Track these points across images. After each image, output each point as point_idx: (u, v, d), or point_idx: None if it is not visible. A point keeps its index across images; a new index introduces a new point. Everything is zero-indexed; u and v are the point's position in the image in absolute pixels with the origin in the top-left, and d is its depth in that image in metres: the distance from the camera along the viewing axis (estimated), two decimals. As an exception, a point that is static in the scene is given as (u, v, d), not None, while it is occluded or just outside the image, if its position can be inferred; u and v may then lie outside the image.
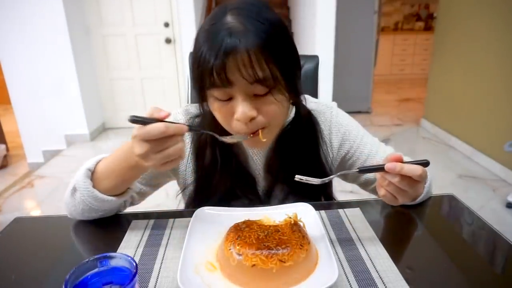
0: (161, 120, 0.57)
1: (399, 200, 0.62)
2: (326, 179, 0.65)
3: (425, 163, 0.61)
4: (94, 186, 0.69)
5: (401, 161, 0.60)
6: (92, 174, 0.70)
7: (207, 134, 0.80)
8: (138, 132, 0.56)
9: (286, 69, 0.66)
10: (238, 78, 0.62)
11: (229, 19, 0.63)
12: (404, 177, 0.59)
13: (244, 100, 0.65)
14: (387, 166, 0.59)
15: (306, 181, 0.63)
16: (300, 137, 0.81)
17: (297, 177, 0.63)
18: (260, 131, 0.69)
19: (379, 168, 0.61)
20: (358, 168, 0.63)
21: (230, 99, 0.66)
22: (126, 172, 0.67)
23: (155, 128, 0.55)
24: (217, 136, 0.67)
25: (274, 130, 0.74)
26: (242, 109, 0.64)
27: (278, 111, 0.69)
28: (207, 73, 0.63)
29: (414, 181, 0.60)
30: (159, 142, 0.56)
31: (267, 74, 0.63)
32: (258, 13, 0.64)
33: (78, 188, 0.69)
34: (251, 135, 0.69)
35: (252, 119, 0.66)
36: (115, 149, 0.68)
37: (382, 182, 0.62)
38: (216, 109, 0.69)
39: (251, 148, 0.82)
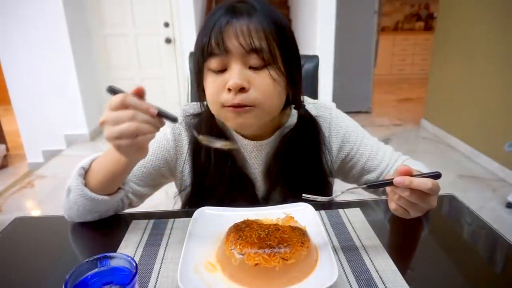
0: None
1: (410, 214, 0.62)
2: (333, 197, 0.65)
3: (436, 175, 0.60)
4: (86, 185, 0.68)
5: (411, 174, 0.59)
6: (86, 173, 0.69)
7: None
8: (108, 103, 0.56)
9: (284, 49, 0.68)
10: (235, 46, 0.65)
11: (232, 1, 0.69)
12: (414, 191, 0.58)
13: (238, 69, 0.66)
14: (396, 180, 0.58)
15: (313, 199, 0.61)
16: (302, 142, 0.81)
17: (304, 196, 0.61)
18: (248, 108, 0.67)
19: (388, 183, 0.60)
20: (366, 184, 0.63)
21: (225, 70, 0.68)
22: (113, 167, 0.65)
23: (115, 97, 0.54)
24: (195, 133, 0.67)
25: (263, 115, 0.70)
26: (234, 77, 0.65)
27: (272, 90, 0.68)
28: (206, 44, 0.66)
29: (425, 195, 0.59)
30: (116, 114, 0.54)
31: (263, 45, 0.65)
32: None
33: (71, 188, 0.68)
34: (239, 109, 0.67)
35: (242, 89, 0.66)
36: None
37: (392, 196, 0.62)
38: (210, 82, 0.69)
39: (245, 143, 0.79)
